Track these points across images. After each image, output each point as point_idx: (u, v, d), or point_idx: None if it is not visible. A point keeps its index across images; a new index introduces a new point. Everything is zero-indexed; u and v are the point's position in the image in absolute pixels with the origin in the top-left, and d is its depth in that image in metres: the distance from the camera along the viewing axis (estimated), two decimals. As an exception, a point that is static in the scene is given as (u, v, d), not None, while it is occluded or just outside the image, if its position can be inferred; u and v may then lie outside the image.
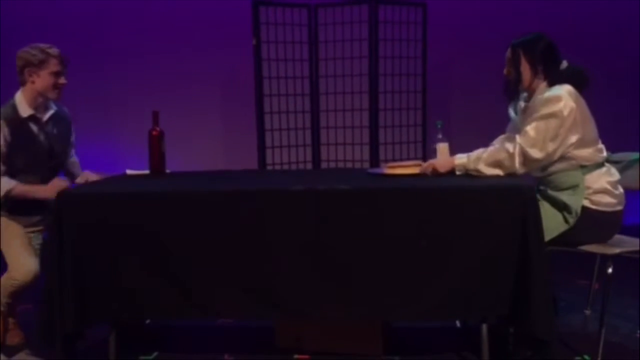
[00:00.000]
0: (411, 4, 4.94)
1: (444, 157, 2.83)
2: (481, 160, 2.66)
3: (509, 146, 2.61)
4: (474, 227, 2.44)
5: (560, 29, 5.29)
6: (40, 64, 2.82)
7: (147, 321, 3.31)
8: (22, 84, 2.88)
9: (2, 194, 2.78)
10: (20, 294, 2.83)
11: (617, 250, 2.69)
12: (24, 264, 2.77)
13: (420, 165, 2.81)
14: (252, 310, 2.56)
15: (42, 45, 2.86)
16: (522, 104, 2.88)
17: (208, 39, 5.63)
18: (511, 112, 2.99)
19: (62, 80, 2.89)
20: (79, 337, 2.68)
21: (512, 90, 2.82)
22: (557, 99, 2.59)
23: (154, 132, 3.07)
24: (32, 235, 2.95)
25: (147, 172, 3.13)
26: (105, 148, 5.41)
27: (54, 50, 2.86)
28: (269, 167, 4.94)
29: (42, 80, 2.84)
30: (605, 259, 2.73)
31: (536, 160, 2.59)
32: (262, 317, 2.75)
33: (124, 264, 2.53)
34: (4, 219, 2.87)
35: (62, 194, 2.59)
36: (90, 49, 5.61)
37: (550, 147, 2.58)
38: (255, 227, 2.51)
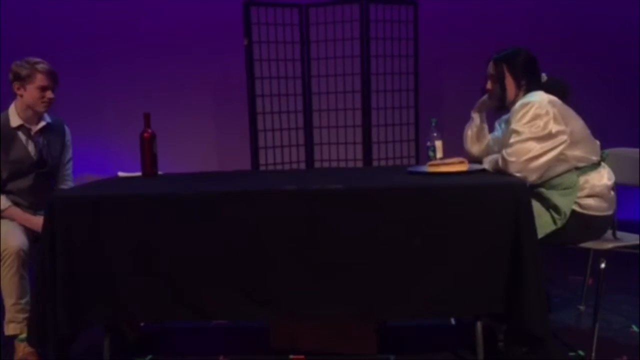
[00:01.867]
0: (402, 3, 4.95)
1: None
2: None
3: (499, 157, 2.63)
4: (467, 225, 2.44)
5: (554, 26, 5.35)
6: (27, 78, 2.91)
7: (142, 324, 3.30)
8: (15, 95, 2.98)
9: (3, 208, 2.92)
10: (16, 272, 2.75)
11: (610, 246, 2.70)
12: (8, 238, 2.78)
13: (463, 162, 2.76)
14: (247, 311, 2.55)
15: (32, 59, 2.94)
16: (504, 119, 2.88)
17: (199, 40, 5.62)
18: (496, 129, 3.00)
19: (49, 94, 2.95)
20: (73, 341, 2.67)
21: (500, 105, 2.81)
22: (530, 104, 2.59)
23: (146, 134, 3.06)
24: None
25: (139, 174, 3.12)
26: (97, 150, 5.39)
27: (41, 66, 2.93)
28: (262, 168, 4.93)
29: (29, 93, 2.93)
30: (599, 254, 2.74)
31: (520, 162, 2.55)
32: (256, 318, 2.74)
33: (117, 266, 2.52)
34: None
35: (53, 197, 2.58)
36: (82, 52, 5.60)
37: (535, 146, 2.55)
38: (248, 227, 2.50)
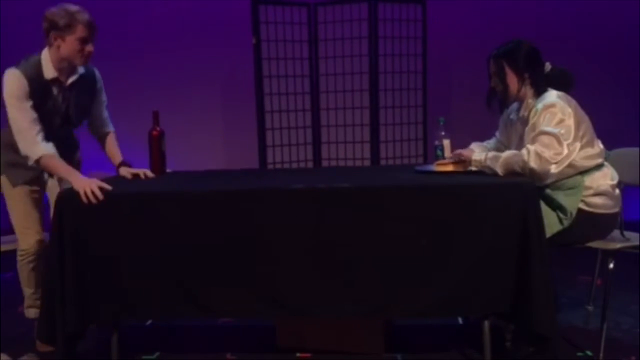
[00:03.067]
0: (410, 2, 4.93)
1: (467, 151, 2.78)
2: (498, 162, 2.60)
3: (523, 152, 2.54)
4: (474, 225, 2.43)
5: (560, 25, 5.32)
6: (66, 28, 2.62)
7: (149, 321, 3.31)
8: (48, 45, 2.70)
9: (40, 154, 2.67)
10: (34, 267, 2.82)
11: (618, 246, 2.69)
12: (27, 233, 2.79)
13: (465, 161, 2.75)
14: (253, 309, 2.56)
15: (70, 7, 2.65)
16: (513, 116, 2.85)
17: (208, 38, 5.63)
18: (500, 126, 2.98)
19: (90, 47, 2.69)
20: (81, 338, 2.69)
21: (502, 102, 2.79)
22: (553, 105, 2.57)
23: (154, 132, 3.06)
24: (36, 196, 2.87)
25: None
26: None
27: (82, 16, 2.64)
28: (270, 166, 4.94)
29: (67, 45, 2.65)
30: (607, 254, 2.73)
31: (552, 163, 2.52)
32: (263, 316, 2.75)
33: (125, 264, 2.53)
34: (4, 181, 2.83)
35: (62, 195, 2.59)
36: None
37: (564, 149, 2.53)
38: (256, 226, 2.51)
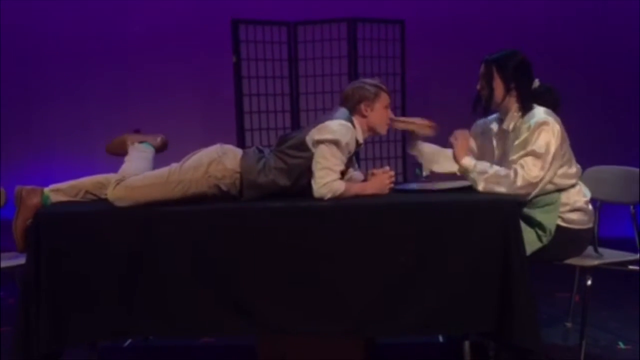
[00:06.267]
0: (389, 22, 5.00)
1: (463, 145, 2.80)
2: (483, 176, 2.62)
3: (511, 174, 2.56)
4: (455, 243, 2.44)
5: (539, 46, 5.41)
6: (375, 97, 2.76)
7: (128, 342, 3.26)
8: (355, 115, 2.77)
9: (342, 189, 2.64)
10: None
11: (596, 262, 2.72)
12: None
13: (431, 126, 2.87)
14: (233, 328, 2.52)
15: (371, 80, 2.84)
16: (493, 126, 2.87)
17: (188, 57, 5.63)
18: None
19: (391, 114, 2.86)
20: (58, 358, 2.63)
21: (485, 107, 2.79)
22: (545, 124, 2.58)
23: (135, 150, 3.05)
24: None
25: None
26: (85, 163, 5.34)
27: (384, 86, 2.82)
28: (250, 184, 4.92)
29: (376, 113, 2.78)
30: (585, 271, 2.75)
31: (536, 184, 2.55)
32: (243, 334, 2.72)
33: (102, 283, 2.49)
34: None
35: (39, 213, 2.55)
36: (72, 65, 5.59)
37: (550, 170, 2.57)
38: (234, 244, 2.49)
